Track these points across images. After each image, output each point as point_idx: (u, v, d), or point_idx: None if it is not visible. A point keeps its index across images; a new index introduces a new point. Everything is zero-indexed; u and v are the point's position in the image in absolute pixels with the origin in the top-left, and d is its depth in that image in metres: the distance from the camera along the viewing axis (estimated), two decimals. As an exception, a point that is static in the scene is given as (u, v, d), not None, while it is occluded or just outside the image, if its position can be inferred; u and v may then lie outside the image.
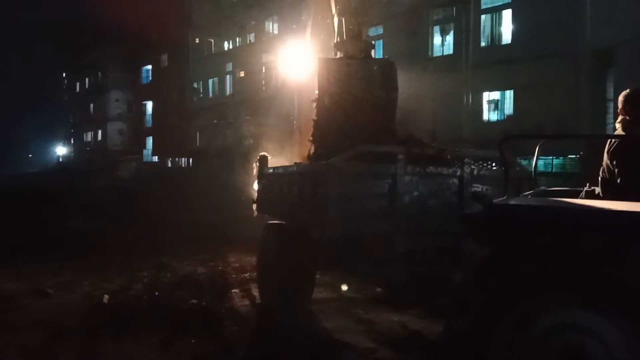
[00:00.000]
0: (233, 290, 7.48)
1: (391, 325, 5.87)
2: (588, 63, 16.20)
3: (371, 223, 4.99)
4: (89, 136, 54.83)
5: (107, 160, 45.33)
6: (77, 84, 57.52)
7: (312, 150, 6.87)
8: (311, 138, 6.99)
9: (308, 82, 8.68)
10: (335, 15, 7.21)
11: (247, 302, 7.01)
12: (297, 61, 8.96)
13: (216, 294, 7.18)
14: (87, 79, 54.56)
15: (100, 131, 51.24)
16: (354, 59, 6.94)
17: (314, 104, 6.98)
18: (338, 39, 7.15)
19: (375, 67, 6.90)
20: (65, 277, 8.07)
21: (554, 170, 16.34)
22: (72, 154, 59.31)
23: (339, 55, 7.15)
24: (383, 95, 6.75)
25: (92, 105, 52.97)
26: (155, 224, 13.57)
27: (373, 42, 7.79)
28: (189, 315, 6.11)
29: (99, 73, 50.86)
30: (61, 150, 63.10)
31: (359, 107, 6.64)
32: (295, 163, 6.98)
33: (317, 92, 6.94)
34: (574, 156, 15.87)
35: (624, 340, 2.46)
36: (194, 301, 6.76)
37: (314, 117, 6.98)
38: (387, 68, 6.97)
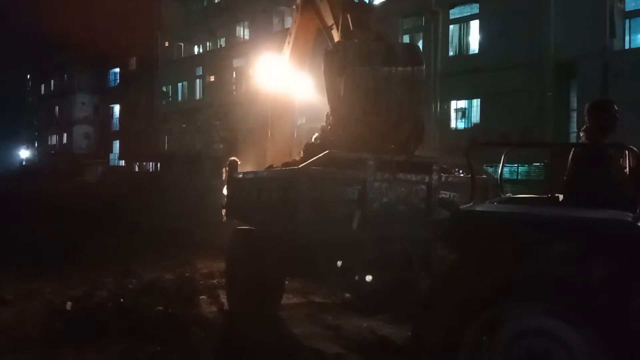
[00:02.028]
0: (200, 297, 7.38)
1: (360, 331, 5.88)
2: (551, 74, 16.67)
3: (340, 229, 4.99)
4: (53, 139, 53.46)
5: (73, 164, 44.28)
6: (42, 86, 56.09)
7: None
8: (326, 126, 6.53)
9: (283, 91, 8.69)
10: (339, 16, 6.85)
11: (214, 308, 6.93)
12: (271, 72, 8.97)
13: (183, 300, 7.07)
14: (52, 81, 53.27)
15: (65, 134, 50.02)
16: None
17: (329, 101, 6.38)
18: (343, 34, 6.73)
19: (396, 46, 6.48)
20: (26, 284, 7.82)
21: (519, 177, 16.67)
22: (36, 158, 57.73)
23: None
24: (409, 71, 6.13)
25: (57, 107, 51.71)
26: (120, 229, 13.30)
27: None
28: (155, 323, 5.99)
29: (65, 75, 49.72)
30: (24, 153, 61.36)
31: (384, 88, 6.03)
32: (268, 167, 6.93)
33: (326, 88, 6.37)
34: (539, 164, 16.24)
35: (587, 347, 2.51)
36: (160, 308, 6.63)
37: (328, 111, 6.51)
38: (408, 45, 6.57)
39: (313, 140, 6.76)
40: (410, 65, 6.13)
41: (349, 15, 6.78)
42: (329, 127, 6.51)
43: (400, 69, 6.06)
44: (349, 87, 6.01)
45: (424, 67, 6.41)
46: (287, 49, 8.42)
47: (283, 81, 8.57)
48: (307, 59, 8.51)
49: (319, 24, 7.57)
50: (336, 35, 6.93)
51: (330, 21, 7.13)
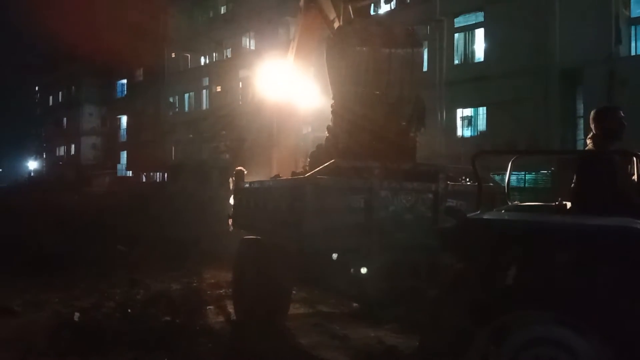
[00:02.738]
0: (208, 307, 7.37)
1: (367, 341, 5.85)
2: (557, 81, 16.66)
3: (347, 238, 4.99)
4: (61, 150, 53.83)
5: (80, 175, 44.55)
6: (50, 98, 56.55)
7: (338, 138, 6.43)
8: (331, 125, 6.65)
9: (287, 99, 8.73)
10: (340, 8, 7.03)
11: (222, 318, 6.91)
12: (276, 79, 9.03)
13: (190, 311, 7.06)
14: (60, 93, 53.72)
15: (73, 145, 50.36)
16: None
17: (332, 89, 6.58)
18: (344, 22, 6.89)
19: (396, 29, 6.57)
20: (34, 295, 7.83)
21: (526, 185, 16.61)
22: (44, 169, 58.09)
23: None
24: (409, 52, 6.28)
25: (65, 119, 52.11)
26: (128, 239, 13.32)
27: None
28: (162, 333, 5.98)
29: (73, 87, 50.15)
30: (33, 164, 61.78)
31: (385, 70, 6.16)
32: (274, 177, 6.94)
33: (329, 77, 6.55)
34: (546, 171, 16.17)
35: (595, 355, 2.49)
36: (167, 318, 6.63)
37: (331, 104, 6.62)
38: (408, 29, 6.66)
39: (320, 145, 6.82)
40: (409, 47, 6.30)
41: (350, 5, 6.97)
42: (333, 125, 6.62)
43: (400, 50, 6.21)
44: (351, 69, 6.16)
45: (423, 49, 6.43)
46: (291, 53, 8.49)
47: (287, 87, 8.61)
48: (311, 62, 8.57)
49: (321, 22, 7.70)
50: (337, 25, 7.09)
51: (332, 14, 7.28)
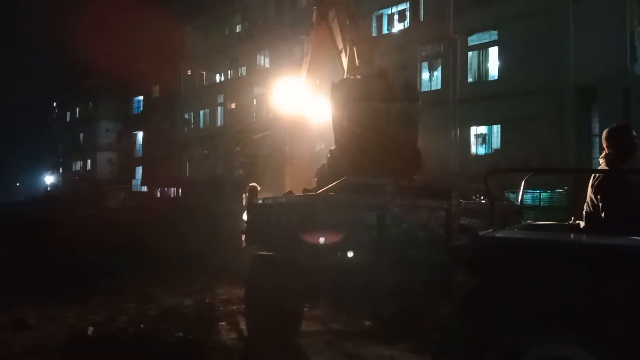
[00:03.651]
0: (220, 323, 7.37)
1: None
2: (572, 99, 16.58)
3: (360, 255, 4.98)
4: (77, 165, 54.53)
5: (96, 189, 44.98)
6: (68, 113, 57.48)
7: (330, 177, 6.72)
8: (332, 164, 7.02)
9: (300, 115, 8.84)
10: (346, 46, 7.57)
11: (234, 335, 6.91)
12: (289, 95, 9.14)
13: (203, 326, 7.07)
14: (77, 109, 54.59)
15: (89, 160, 51.00)
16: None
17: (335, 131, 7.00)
18: (349, 67, 7.48)
19: (395, 82, 7.18)
20: (48, 308, 7.90)
21: (541, 203, 16.48)
22: (60, 183, 58.82)
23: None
24: (406, 106, 6.83)
25: (81, 134, 52.87)
26: (142, 254, 13.40)
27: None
28: (175, 349, 6.00)
29: (90, 103, 50.95)
30: (49, 179, 62.61)
31: (383, 121, 6.70)
32: (287, 193, 7.01)
33: (332, 118, 7.03)
34: (561, 190, 16.04)
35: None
36: (180, 334, 6.64)
37: (333, 147, 7.09)
38: (405, 83, 7.35)
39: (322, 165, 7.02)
40: (406, 101, 6.86)
41: (355, 49, 7.45)
42: (335, 152, 7.01)
43: (397, 104, 6.78)
44: (351, 120, 6.73)
45: (420, 103, 7.10)
46: (304, 70, 8.65)
47: (300, 104, 8.73)
48: (323, 79, 8.79)
49: (331, 43, 7.95)
50: (344, 60, 7.66)
51: (340, 45, 7.81)
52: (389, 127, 6.69)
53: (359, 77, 7.28)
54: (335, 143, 6.98)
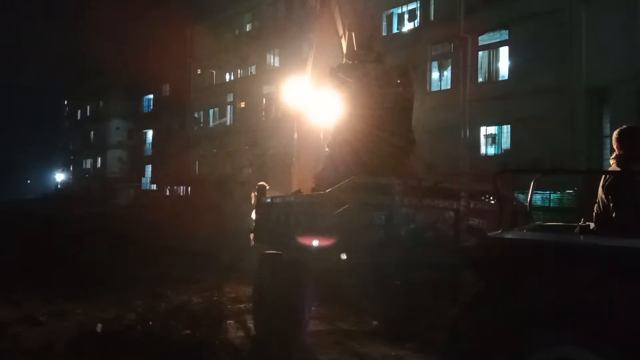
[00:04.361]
0: (228, 321, 7.39)
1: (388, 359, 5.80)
2: (583, 99, 16.44)
3: (368, 254, 4.98)
4: (88, 163, 54.90)
5: (106, 187, 45.31)
6: (78, 111, 57.89)
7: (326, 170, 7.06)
8: (327, 150, 7.33)
9: (308, 113, 8.84)
10: (345, 31, 7.70)
11: (241, 333, 6.92)
12: (297, 93, 9.14)
13: (210, 324, 7.09)
14: (88, 107, 54.97)
15: (99, 158, 51.35)
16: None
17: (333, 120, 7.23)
18: (348, 52, 7.60)
19: (390, 67, 7.28)
20: (58, 305, 7.97)
21: (551, 205, 16.37)
22: (71, 181, 59.26)
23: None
24: (400, 91, 7.00)
25: (92, 132, 53.23)
26: (151, 252, 13.48)
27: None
28: (183, 346, 6.02)
29: (101, 101, 51.29)
30: (60, 176, 63.10)
31: (378, 105, 6.85)
32: (295, 192, 7.03)
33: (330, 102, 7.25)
34: (571, 191, 15.92)
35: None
36: (188, 332, 6.67)
37: (331, 130, 7.27)
38: (401, 68, 7.37)
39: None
40: (401, 86, 7.05)
41: (353, 34, 7.56)
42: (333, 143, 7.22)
43: (392, 89, 6.97)
44: (348, 103, 6.95)
45: (414, 88, 7.27)
46: (309, 65, 8.70)
47: (306, 102, 8.74)
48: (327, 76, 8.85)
49: (334, 31, 8.08)
50: (344, 45, 7.78)
51: (340, 31, 7.92)
52: (385, 111, 6.85)
53: (356, 62, 7.39)
54: (333, 128, 7.17)
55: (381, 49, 7.74)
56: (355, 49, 7.49)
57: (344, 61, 7.68)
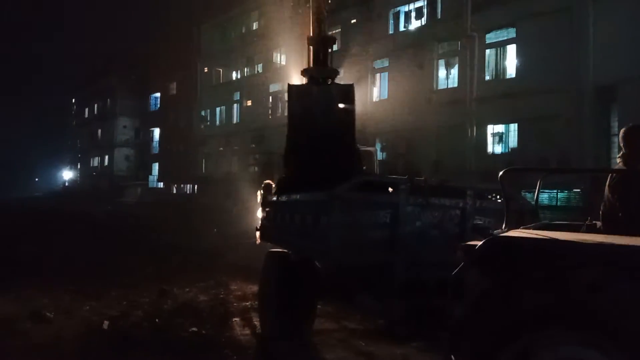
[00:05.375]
0: (234, 319, 7.42)
1: (393, 358, 5.80)
2: (591, 98, 16.35)
3: (373, 253, 4.98)
4: (95, 161, 55.24)
5: (113, 185, 45.56)
6: (86, 110, 58.26)
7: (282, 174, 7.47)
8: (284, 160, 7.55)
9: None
10: (308, 44, 7.83)
11: (247, 331, 6.94)
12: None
13: (216, 322, 7.12)
14: (95, 105, 55.30)
15: (107, 156, 51.65)
16: (318, 83, 7.53)
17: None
18: (307, 67, 7.73)
19: (335, 91, 7.49)
20: (65, 302, 8.03)
21: (558, 203, 16.30)
22: (78, 179, 59.62)
23: (305, 81, 7.74)
24: (342, 115, 7.33)
25: (99, 130, 53.55)
26: (158, 250, 13.55)
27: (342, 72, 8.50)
28: (188, 344, 6.06)
29: (108, 99, 51.57)
30: (67, 174, 63.48)
31: (322, 127, 7.19)
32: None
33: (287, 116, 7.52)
34: (579, 190, 15.85)
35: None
36: (194, 329, 6.70)
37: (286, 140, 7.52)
38: (345, 91, 7.53)
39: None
40: (343, 112, 7.35)
41: (311, 48, 7.69)
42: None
43: (334, 108, 7.31)
44: (293, 124, 7.34)
45: (354, 107, 7.47)
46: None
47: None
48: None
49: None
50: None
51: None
52: (327, 130, 7.14)
53: (304, 81, 7.66)
54: (287, 138, 7.44)
55: (335, 68, 7.84)
56: (311, 65, 7.63)
57: (301, 71, 7.86)
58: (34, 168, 78.31)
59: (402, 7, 23.62)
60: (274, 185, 7.52)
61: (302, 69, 7.75)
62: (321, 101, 7.31)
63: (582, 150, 16.10)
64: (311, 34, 7.74)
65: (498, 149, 19.86)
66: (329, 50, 7.66)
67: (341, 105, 7.35)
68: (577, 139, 16.34)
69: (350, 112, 7.36)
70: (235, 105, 36.12)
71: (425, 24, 22.47)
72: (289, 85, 7.65)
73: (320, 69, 7.54)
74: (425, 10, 22.47)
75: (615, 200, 3.37)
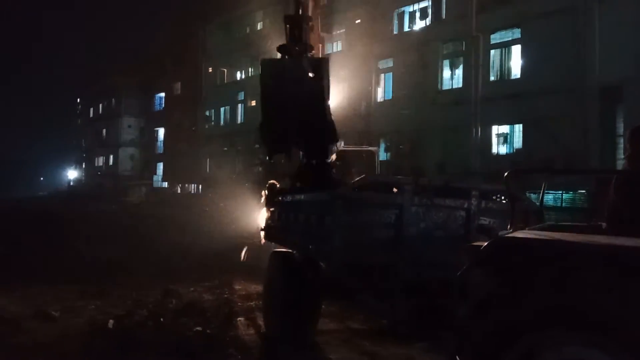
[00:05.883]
0: (238, 319, 7.44)
1: (397, 358, 5.80)
2: (596, 98, 16.28)
3: (377, 253, 4.98)
4: (100, 161, 55.39)
5: (118, 185, 45.67)
6: (91, 109, 58.42)
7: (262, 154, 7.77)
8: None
9: None
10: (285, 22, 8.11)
11: (252, 331, 6.96)
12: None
13: (221, 321, 7.14)
14: (100, 105, 55.45)
15: (111, 156, 51.77)
16: (291, 58, 7.80)
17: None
18: (283, 44, 8.02)
19: (306, 63, 7.69)
20: (70, 301, 8.07)
21: (563, 204, 16.24)
22: (83, 178, 59.80)
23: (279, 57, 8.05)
24: (312, 86, 7.53)
25: (104, 130, 53.68)
26: (162, 249, 13.58)
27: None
28: (193, 343, 6.07)
29: (113, 99, 51.71)
30: (72, 174, 63.67)
31: (294, 100, 7.39)
32: (293, 188, 7.24)
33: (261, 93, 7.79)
34: (584, 191, 15.79)
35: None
36: (199, 328, 6.72)
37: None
38: (317, 64, 7.77)
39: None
40: (313, 82, 7.56)
41: (287, 26, 8.01)
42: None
43: (306, 82, 7.52)
44: (267, 97, 7.66)
45: (328, 80, 7.68)
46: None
47: None
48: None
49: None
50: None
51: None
52: (300, 102, 7.36)
53: (278, 57, 7.98)
54: (261, 115, 7.70)
55: (309, 43, 8.00)
56: (286, 42, 7.91)
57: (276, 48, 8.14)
58: (38, 167, 78.61)
59: (407, 7, 23.59)
60: (278, 186, 7.54)
61: (277, 47, 8.10)
62: (293, 73, 7.55)
63: (587, 151, 16.04)
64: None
65: (503, 149, 19.81)
66: (304, 27, 7.95)
67: (311, 75, 7.55)
68: (582, 139, 16.28)
69: (321, 83, 7.55)
70: (239, 105, 36.13)
71: (429, 25, 22.43)
72: (261, 59, 8.10)
73: (293, 44, 7.82)
74: (429, 11, 22.44)
75: (620, 201, 3.36)
